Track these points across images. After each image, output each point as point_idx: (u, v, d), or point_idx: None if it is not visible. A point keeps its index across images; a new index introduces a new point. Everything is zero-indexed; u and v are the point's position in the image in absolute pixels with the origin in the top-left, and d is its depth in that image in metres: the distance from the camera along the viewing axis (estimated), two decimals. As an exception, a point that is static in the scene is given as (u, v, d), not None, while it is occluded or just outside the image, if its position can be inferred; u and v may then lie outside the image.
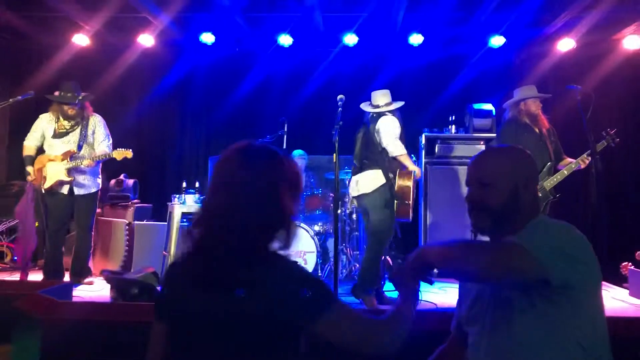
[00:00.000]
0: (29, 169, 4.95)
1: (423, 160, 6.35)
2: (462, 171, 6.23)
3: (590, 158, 4.57)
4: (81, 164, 4.93)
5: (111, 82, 6.39)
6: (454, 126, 6.52)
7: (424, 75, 6.85)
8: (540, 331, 1.59)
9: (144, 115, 7.11)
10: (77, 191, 4.98)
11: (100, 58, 6.76)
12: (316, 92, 6.71)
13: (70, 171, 4.92)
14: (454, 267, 1.59)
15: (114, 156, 5.00)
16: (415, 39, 6.55)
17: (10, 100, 4.68)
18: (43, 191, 4.91)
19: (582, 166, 4.71)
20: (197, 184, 5.56)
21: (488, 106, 6.47)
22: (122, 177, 6.45)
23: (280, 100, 6.81)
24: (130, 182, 6.53)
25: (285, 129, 5.56)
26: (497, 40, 6.56)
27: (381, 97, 4.66)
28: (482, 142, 6.40)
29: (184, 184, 5.46)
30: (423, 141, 6.38)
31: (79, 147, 4.97)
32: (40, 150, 5.08)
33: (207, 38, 6.70)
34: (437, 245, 1.62)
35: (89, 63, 6.60)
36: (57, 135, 4.98)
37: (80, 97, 4.96)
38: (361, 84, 6.12)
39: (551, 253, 1.52)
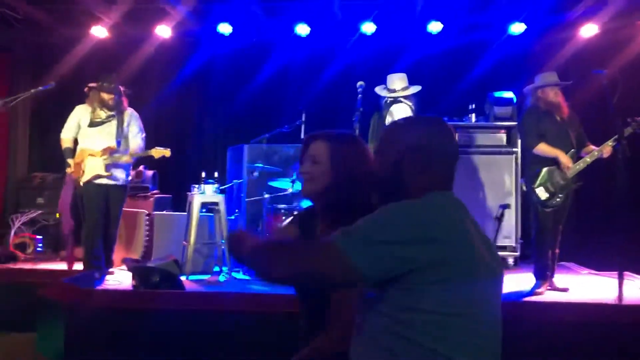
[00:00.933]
0: (70, 161, 5.03)
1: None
2: (483, 160, 6.16)
3: (614, 145, 4.45)
4: (120, 159, 5.00)
5: (129, 74, 6.40)
6: (474, 115, 6.44)
7: (443, 63, 6.77)
8: (374, 319, 1.46)
9: (162, 107, 7.14)
10: (109, 182, 5.02)
11: (118, 50, 6.79)
12: (334, 81, 6.68)
13: (108, 166, 4.98)
14: (257, 268, 1.53)
15: (151, 154, 5.08)
16: (434, 27, 6.48)
17: (32, 90, 4.74)
18: (81, 184, 4.97)
19: (605, 155, 4.58)
20: (215, 174, 5.57)
21: (509, 94, 6.39)
22: (141, 168, 6.50)
23: (298, 90, 6.79)
24: (150, 173, 6.57)
25: (304, 119, 5.55)
26: (517, 28, 6.47)
27: (398, 81, 4.58)
28: (503, 131, 6.32)
29: (203, 174, 5.48)
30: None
31: (118, 143, 5.03)
32: (75, 141, 5.14)
33: (225, 28, 6.70)
34: (250, 237, 1.56)
35: (108, 55, 6.63)
36: (93, 124, 5.04)
37: (121, 89, 5.05)
38: (379, 73, 6.05)
39: (360, 244, 1.37)
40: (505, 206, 3.85)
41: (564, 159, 4.52)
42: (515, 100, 6.38)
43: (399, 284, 1.39)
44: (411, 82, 5.08)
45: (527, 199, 4.80)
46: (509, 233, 6.08)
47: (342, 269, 1.38)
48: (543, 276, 4.55)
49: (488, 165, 6.18)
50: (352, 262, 1.36)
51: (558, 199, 4.48)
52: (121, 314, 3.43)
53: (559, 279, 4.86)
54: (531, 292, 4.44)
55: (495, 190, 6.01)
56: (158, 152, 5.08)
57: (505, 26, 6.49)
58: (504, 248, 6.06)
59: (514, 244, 6.10)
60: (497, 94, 6.39)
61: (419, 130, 1.58)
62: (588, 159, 4.60)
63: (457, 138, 6.17)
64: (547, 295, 4.43)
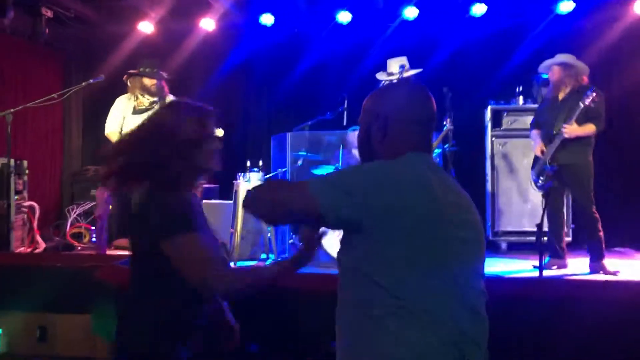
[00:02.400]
0: None
1: (489, 133, 6.19)
2: (531, 143, 6.01)
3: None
4: None
5: (174, 67, 6.55)
6: (521, 97, 6.32)
7: (488, 46, 6.63)
8: (346, 273, 1.54)
9: (207, 99, 7.14)
10: None
11: (164, 44, 6.95)
12: (375, 68, 6.63)
13: None
14: (260, 211, 1.62)
15: None
16: (478, 9, 6.35)
17: (83, 83, 4.91)
18: None
19: (566, 135, 4.57)
20: (260, 163, 5.64)
21: (557, 75, 6.21)
22: (189, 159, 6.64)
23: (340, 77, 6.78)
24: (197, 164, 6.70)
25: (346, 105, 5.55)
26: (565, 6, 6.27)
27: (395, 65, 4.56)
28: (551, 113, 6.16)
29: (248, 163, 5.55)
30: (489, 114, 6.21)
31: None
32: (120, 133, 5.23)
33: (267, 19, 6.77)
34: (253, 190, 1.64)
35: (154, 49, 6.79)
36: (137, 111, 5.06)
37: (163, 74, 5.07)
38: (421, 58, 6.00)
39: (327, 186, 1.48)
40: (551, 183, 3.75)
41: (536, 147, 4.76)
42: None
43: (362, 236, 1.45)
44: (455, 66, 5.01)
45: None
46: (559, 218, 5.93)
47: (307, 204, 1.47)
48: (554, 254, 4.67)
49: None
50: (315, 200, 1.45)
51: (540, 182, 4.62)
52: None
53: (611, 262, 4.71)
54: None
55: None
56: None
57: (552, 5, 6.31)
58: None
59: (565, 229, 5.93)
60: (545, 75, 6.22)
61: (395, 97, 1.62)
62: (556, 140, 4.59)
63: (504, 122, 6.09)
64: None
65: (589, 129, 4.59)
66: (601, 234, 4.54)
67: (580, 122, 4.57)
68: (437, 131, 5.18)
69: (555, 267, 4.58)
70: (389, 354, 1.39)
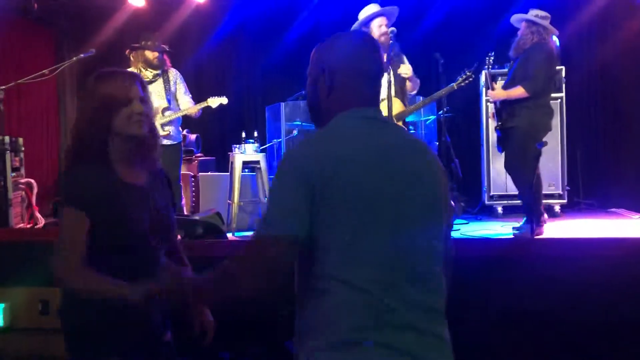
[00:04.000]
0: None
1: (483, 98, 6.18)
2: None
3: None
4: (173, 117, 4.96)
5: (166, 39, 6.48)
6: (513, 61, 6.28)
7: (480, 9, 6.59)
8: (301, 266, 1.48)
9: (200, 70, 7.23)
10: (166, 142, 4.90)
11: (155, 16, 6.87)
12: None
13: (164, 126, 4.96)
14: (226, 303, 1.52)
15: (209, 104, 5.04)
16: (471, -28, 6.29)
17: (74, 58, 4.87)
18: None
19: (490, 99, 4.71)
20: (255, 134, 5.65)
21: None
22: (185, 132, 6.64)
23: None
24: (193, 137, 6.71)
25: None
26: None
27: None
28: (545, 76, 6.13)
29: (243, 134, 5.56)
30: (483, 79, 6.18)
31: (169, 101, 5.05)
32: None
33: (258, -13, 6.70)
34: (197, 283, 1.55)
35: (145, 22, 6.72)
36: None
37: (164, 47, 5.05)
38: (413, 23, 5.96)
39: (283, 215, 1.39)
40: (542, 144, 3.76)
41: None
42: (558, 43, 6.16)
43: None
44: (446, 31, 5.01)
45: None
46: (554, 180, 5.97)
47: (287, 251, 1.40)
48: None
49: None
50: (288, 238, 1.38)
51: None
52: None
53: (608, 224, 4.75)
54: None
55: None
56: (215, 101, 5.01)
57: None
58: (550, 196, 5.96)
59: (560, 192, 5.99)
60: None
61: (341, 49, 1.53)
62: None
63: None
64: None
65: (516, 92, 4.45)
66: (533, 197, 4.39)
67: (517, 83, 4.48)
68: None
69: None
70: (326, 323, 1.38)
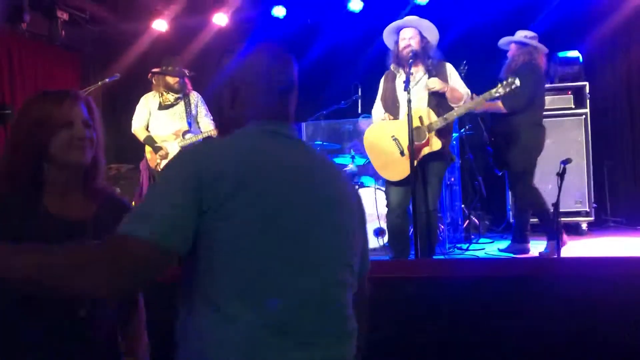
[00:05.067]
0: (156, 146, 5.04)
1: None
2: (552, 123, 5.92)
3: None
4: (193, 140, 5.02)
5: (188, 63, 6.60)
6: (537, 78, 6.23)
7: (500, 26, 6.52)
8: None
9: (222, 92, 7.31)
10: None
11: (178, 41, 7.01)
12: (388, 53, 6.66)
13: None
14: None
15: None
16: (491, -11, 6.29)
17: (99, 83, 4.97)
18: (159, 169, 5.05)
19: None
20: (277, 154, 5.67)
21: (574, 53, 6.13)
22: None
23: (353, 66, 6.78)
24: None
25: (360, 93, 5.55)
26: (580, -18, 6.17)
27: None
28: (569, 92, 6.07)
29: (265, 155, 5.59)
30: (504, 95, 6.13)
31: (189, 124, 5.12)
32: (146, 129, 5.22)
33: (279, 12, 6.80)
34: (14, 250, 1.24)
35: (169, 46, 6.86)
36: (163, 107, 5.12)
37: (185, 72, 5.15)
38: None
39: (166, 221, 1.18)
40: (566, 162, 3.69)
41: None
42: (581, 59, 6.11)
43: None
44: (466, 47, 4.99)
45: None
46: (581, 197, 5.87)
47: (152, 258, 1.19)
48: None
49: (555, 128, 5.95)
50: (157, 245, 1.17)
51: None
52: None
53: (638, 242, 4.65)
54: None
55: (564, 155, 5.75)
56: None
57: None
58: (577, 214, 5.86)
59: (587, 209, 5.87)
60: (562, 53, 6.14)
61: (247, 61, 1.46)
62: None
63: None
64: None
65: (494, 106, 4.46)
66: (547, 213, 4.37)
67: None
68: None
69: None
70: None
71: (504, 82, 4.03)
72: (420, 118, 3.95)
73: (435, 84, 3.95)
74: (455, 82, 4.11)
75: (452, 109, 4.03)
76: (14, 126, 1.69)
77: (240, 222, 1.22)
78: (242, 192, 1.22)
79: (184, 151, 1.35)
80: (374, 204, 4.97)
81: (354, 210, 1.43)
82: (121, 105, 5.48)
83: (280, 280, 1.24)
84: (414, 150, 3.74)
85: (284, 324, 1.24)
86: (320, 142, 5.77)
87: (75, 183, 1.68)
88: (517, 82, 4.00)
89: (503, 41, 4.86)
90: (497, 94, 4.06)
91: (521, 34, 4.75)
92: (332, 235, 1.34)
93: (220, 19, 6.85)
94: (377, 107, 4.27)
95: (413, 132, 3.78)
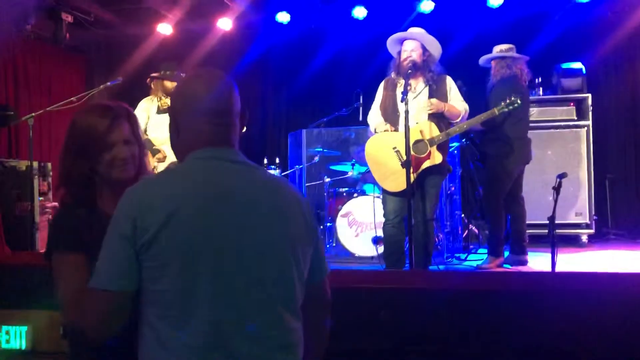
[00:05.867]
0: (154, 149, 5.02)
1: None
2: (553, 135, 5.94)
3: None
4: None
5: (193, 67, 6.64)
6: (541, 88, 6.23)
7: (505, 37, 6.51)
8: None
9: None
10: None
11: (182, 45, 7.05)
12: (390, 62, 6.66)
13: None
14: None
15: None
16: (496, 0, 6.28)
17: (101, 86, 5.01)
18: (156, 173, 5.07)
19: None
20: (277, 160, 5.69)
21: (577, 65, 6.12)
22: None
23: (355, 73, 6.78)
24: (217, 162, 6.80)
25: (361, 101, 5.55)
26: (585, -6, 6.16)
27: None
28: (571, 104, 6.06)
29: (265, 160, 5.61)
30: (507, 105, 6.13)
31: None
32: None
33: (283, 17, 6.82)
34: None
35: (173, 50, 6.90)
36: (161, 111, 5.11)
37: (182, 76, 5.16)
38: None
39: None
40: (562, 175, 3.68)
41: None
42: (584, 71, 6.10)
43: None
44: (470, 58, 4.97)
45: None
46: (581, 210, 5.85)
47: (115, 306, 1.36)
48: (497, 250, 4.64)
49: (556, 140, 5.95)
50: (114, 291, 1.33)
51: None
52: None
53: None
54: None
55: (564, 167, 5.76)
56: None
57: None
58: (577, 226, 5.84)
59: (587, 221, 5.85)
60: (565, 65, 6.13)
61: (184, 89, 1.48)
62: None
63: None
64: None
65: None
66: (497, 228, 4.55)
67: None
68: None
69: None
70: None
71: (507, 101, 4.05)
72: (422, 132, 3.95)
73: (434, 105, 3.96)
74: (454, 96, 4.13)
75: (450, 121, 4.06)
76: (66, 144, 1.79)
77: (169, 253, 1.31)
78: (170, 222, 1.30)
79: (125, 193, 1.40)
80: (372, 212, 4.97)
81: (299, 224, 1.46)
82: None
83: (209, 303, 1.31)
84: (410, 161, 3.74)
85: (212, 344, 1.30)
86: (321, 149, 5.78)
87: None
88: (519, 101, 4.03)
89: (482, 60, 4.88)
90: (500, 112, 4.08)
91: (497, 49, 4.80)
92: (267, 252, 1.38)
93: (225, 24, 6.88)
94: (374, 114, 4.27)
95: (412, 144, 3.80)
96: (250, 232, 1.36)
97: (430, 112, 3.98)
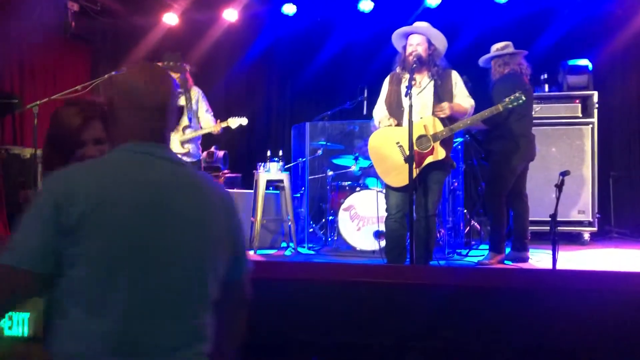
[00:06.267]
0: None
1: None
2: (558, 131, 5.92)
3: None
4: (193, 135, 5.05)
5: (198, 58, 6.64)
6: (547, 85, 6.20)
7: (511, 33, 6.46)
8: None
9: (230, 88, 7.37)
10: (184, 159, 5.04)
11: (188, 35, 7.05)
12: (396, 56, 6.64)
13: (183, 143, 5.09)
14: None
15: (229, 125, 5.12)
16: (502, -5, 6.25)
17: (106, 76, 5.01)
18: None
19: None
20: (280, 153, 5.69)
21: (583, 62, 6.08)
22: (213, 149, 6.73)
23: (361, 67, 6.78)
24: (221, 153, 6.80)
25: (365, 95, 5.54)
26: (592, -9, 6.12)
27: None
28: (577, 101, 6.03)
29: (269, 153, 5.61)
30: (513, 102, 6.11)
31: (189, 119, 5.13)
32: None
33: (289, 9, 6.81)
34: None
35: (178, 40, 6.89)
36: None
37: (186, 67, 5.16)
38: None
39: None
40: (565, 173, 3.66)
41: None
42: (590, 68, 6.06)
43: None
44: (477, 54, 4.97)
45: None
46: (584, 207, 5.84)
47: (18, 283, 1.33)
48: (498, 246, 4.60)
49: (561, 137, 5.93)
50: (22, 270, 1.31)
51: None
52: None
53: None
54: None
55: (569, 164, 5.75)
56: (235, 121, 5.10)
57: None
58: (579, 223, 5.83)
59: (590, 219, 5.84)
60: (571, 62, 6.10)
61: (121, 82, 1.49)
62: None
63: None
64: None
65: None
66: (499, 225, 4.53)
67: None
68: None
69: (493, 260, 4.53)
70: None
71: (511, 97, 4.03)
72: (425, 127, 3.94)
73: (444, 110, 3.95)
74: (460, 91, 4.11)
75: (457, 118, 4.04)
76: (47, 133, 1.88)
77: (89, 240, 1.32)
78: (94, 212, 1.32)
79: (47, 178, 1.43)
80: (376, 207, 4.98)
81: (219, 222, 1.49)
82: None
83: (124, 292, 1.33)
84: (413, 156, 3.74)
85: (123, 334, 1.33)
86: (324, 143, 5.77)
87: None
88: (523, 97, 4.01)
89: (481, 62, 4.87)
90: (504, 108, 4.06)
91: (493, 49, 4.79)
92: (184, 247, 1.41)
93: (231, 15, 6.87)
94: (380, 108, 4.26)
95: (415, 139, 3.79)
96: (170, 226, 1.40)
97: (439, 114, 3.97)
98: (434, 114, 3.99)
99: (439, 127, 3.94)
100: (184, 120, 5.12)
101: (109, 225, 1.33)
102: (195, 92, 5.26)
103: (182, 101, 5.15)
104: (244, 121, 5.15)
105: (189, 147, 5.13)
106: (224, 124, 5.12)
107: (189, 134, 5.10)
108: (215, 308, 1.50)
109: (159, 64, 5.16)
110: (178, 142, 5.08)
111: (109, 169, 1.41)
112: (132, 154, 1.44)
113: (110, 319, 1.32)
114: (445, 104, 3.96)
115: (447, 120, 4.00)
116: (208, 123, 5.17)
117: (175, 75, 5.12)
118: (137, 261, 1.35)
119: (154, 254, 1.37)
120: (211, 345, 1.48)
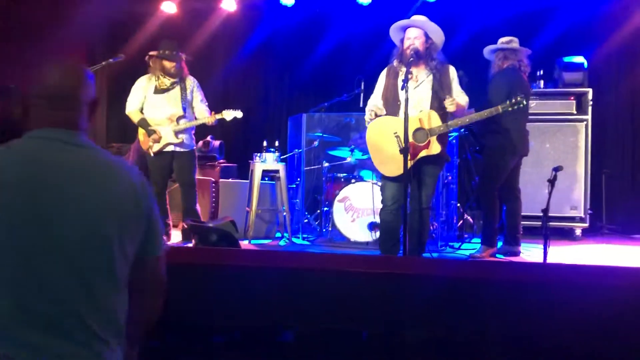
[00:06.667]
0: (150, 130, 5.01)
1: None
2: (552, 128, 5.97)
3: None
4: (187, 125, 5.00)
5: (196, 47, 6.64)
6: (542, 81, 6.24)
7: (509, 28, 6.52)
8: None
9: (228, 78, 7.37)
10: (179, 150, 5.02)
11: (186, 24, 7.05)
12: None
13: (177, 133, 5.00)
14: None
15: (224, 117, 5.05)
16: (500, -9, 6.28)
17: (103, 63, 4.98)
18: (152, 154, 5.01)
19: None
20: (276, 143, 5.71)
21: (579, 59, 6.12)
22: (209, 138, 6.75)
23: (359, 59, 6.80)
24: (217, 143, 6.83)
25: (362, 87, 5.57)
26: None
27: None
28: (572, 97, 6.08)
29: (265, 143, 5.63)
30: (508, 97, 6.15)
31: (184, 109, 5.05)
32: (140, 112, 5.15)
33: (288, 0, 6.79)
34: None
35: (177, 29, 6.89)
36: (159, 91, 5.04)
37: (182, 56, 5.10)
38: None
39: None
40: (558, 168, 3.71)
41: None
42: (586, 65, 6.10)
43: None
44: (474, 49, 5.01)
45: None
46: (576, 203, 5.89)
47: None
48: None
49: (555, 133, 5.98)
50: None
51: None
52: (185, 269, 3.62)
53: (629, 250, 4.68)
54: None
55: (562, 160, 5.80)
56: (229, 114, 5.04)
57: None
58: (571, 219, 5.89)
59: (582, 215, 5.90)
60: (567, 59, 6.13)
61: (36, 73, 1.60)
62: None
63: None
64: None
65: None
66: (492, 219, 4.60)
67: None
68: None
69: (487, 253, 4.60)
70: None
71: (512, 101, 4.06)
72: (421, 120, 3.98)
73: (454, 104, 3.99)
74: (456, 88, 4.16)
75: (455, 114, 4.09)
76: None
77: None
78: None
79: None
80: (369, 199, 5.02)
81: (127, 204, 1.55)
82: (126, 86, 5.46)
83: (14, 269, 1.40)
84: (408, 149, 3.77)
85: (15, 310, 1.39)
86: (321, 134, 5.80)
87: None
88: (524, 102, 4.05)
89: (486, 52, 4.89)
90: (504, 111, 4.10)
91: (500, 41, 4.82)
92: (85, 229, 1.46)
93: (229, 5, 6.87)
94: (375, 101, 4.28)
95: (412, 132, 3.83)
96: (70, 208, 1.45)
97: (450, 110, 4.01)
98: (436, 107, 4.02)
99: (437, 121, 3.97)
100: (179, 111, 5.05)
101: (4, 205, 1.41)
102: (191, 82, 5.16)
103: (177, 91, 5.09)
104: (238, 114, 5.09)
105: (183, 137, 5.00)
106: (218, 116, 5.03)
107: (183, 124, 5.00)
108: (128, 289, 1.56)
109: (154, 52, 5.10)
110: (172, 132, 5.00)
111: (11, 153, 1.49)
112: (35, 139, 1.53)
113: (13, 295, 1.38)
114: (453, 99, 4.00)
115: (445, 116, 4.04)
116: (202, 114, 5.10)
117: (170, 65, 5.03)
118: (30, 241, 1.41)
119: (48, 233, 1.42)
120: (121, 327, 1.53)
